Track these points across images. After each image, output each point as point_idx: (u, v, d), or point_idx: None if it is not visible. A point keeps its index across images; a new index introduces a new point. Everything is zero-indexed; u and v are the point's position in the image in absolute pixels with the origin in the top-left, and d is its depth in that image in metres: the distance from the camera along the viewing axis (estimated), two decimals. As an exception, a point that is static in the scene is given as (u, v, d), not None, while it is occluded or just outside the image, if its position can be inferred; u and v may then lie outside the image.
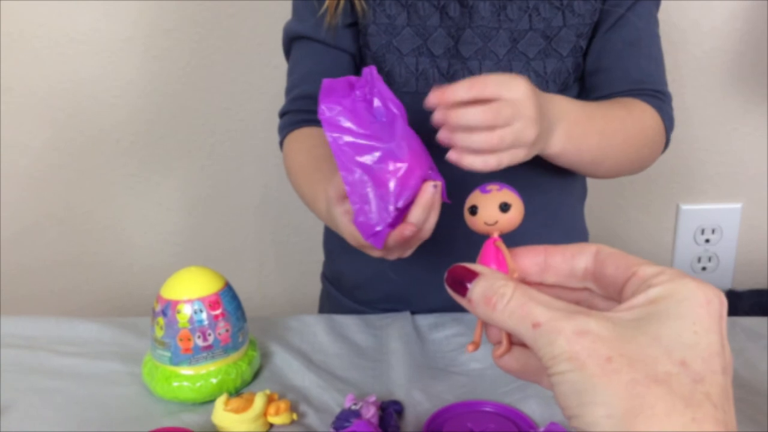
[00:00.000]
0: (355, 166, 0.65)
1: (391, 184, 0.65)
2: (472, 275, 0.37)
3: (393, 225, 0.67)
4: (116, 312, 1.62)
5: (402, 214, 0.67)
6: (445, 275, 0.38)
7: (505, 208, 0.42)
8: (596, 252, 0.38)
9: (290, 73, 0.99)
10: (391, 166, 0.65)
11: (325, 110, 0.65)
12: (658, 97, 0.93)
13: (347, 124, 0.65)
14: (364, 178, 0.65)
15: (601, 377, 0.31)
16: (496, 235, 0.42)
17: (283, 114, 0.99)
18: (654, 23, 0.95)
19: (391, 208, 0.65)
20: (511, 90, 0.68)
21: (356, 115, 0.66)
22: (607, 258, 0.38)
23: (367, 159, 0.65)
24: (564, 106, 0.78)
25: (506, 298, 0.35)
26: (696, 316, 0.33)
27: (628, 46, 0.92)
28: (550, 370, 0.33)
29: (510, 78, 0.68)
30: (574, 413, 0.32)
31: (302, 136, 0.94)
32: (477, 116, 0.66)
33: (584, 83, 0.96)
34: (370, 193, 0.65)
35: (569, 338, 0.32)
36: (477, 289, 0.37)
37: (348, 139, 0.65)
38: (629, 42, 0.92)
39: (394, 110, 0.67)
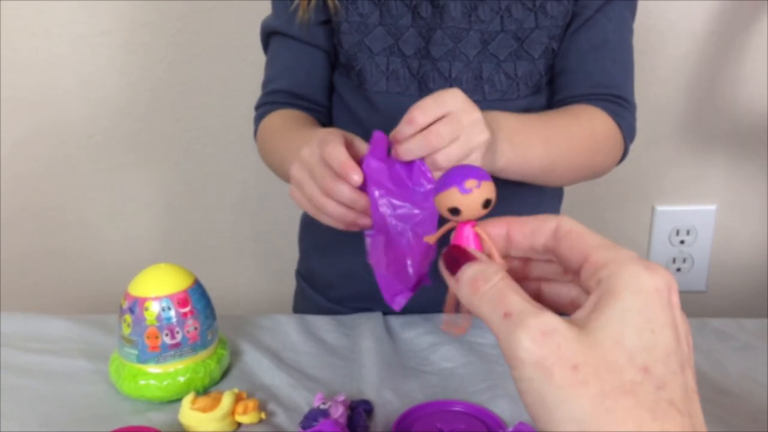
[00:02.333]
0: (388, 226, 0.66)
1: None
2: (470, 258, 0.37)
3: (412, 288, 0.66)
4: (88, 309, 1.60)
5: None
6: (443, 251, 0.38)
7: (487, 204, 0.40)
8: (555, 229, 0.38)
9: (267, 67, 1.00)
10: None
11: (371, 163, 0.66)
12: (618, 103, 0.91)
13: (389, 184, 0.66)
14: (393, 239, 0.66)
15: (569, 389, 0.30)
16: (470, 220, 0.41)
17: (258, 107, 0.99)
18: (626, 29, 0.94)
19: (411, 271, 0.65)
20: (449, 102, 0.67)
21: (395, 177, 0.67)
22: (563, 237, 0.37)
23: (403, 220, 0.66)
24: (498, 117, 0.76)
25: (490, 283, 0.35)
26: (651, 312, 0.32)
27: (593, 48, 0.90)
28: (514, 372, 0.32)
29: (442, 92, 0.68)
30: (544, 428, 0.31)
31: (280, 113, 0.95)
32: (419, 148, 0.65)
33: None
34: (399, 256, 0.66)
35: (534, 337, 0.31)
36: (468, 272, 0.36)
37: (390, 198, 0.66)
38: (595, 44, 0.90)
39: (429, 186, 0.67)
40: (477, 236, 0.40)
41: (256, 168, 1.54)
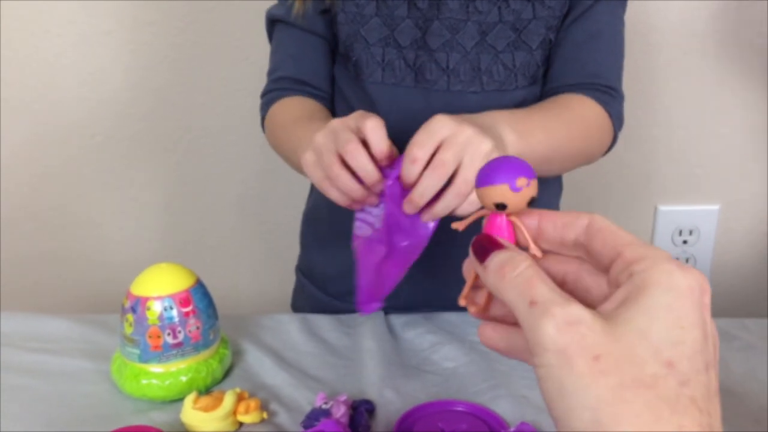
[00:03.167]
0: (392, 241, 0.70)
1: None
2: (499, 247, 0.37)
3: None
4: (90, 309, 1.60)
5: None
6: (473, 240, 0.38)
7: (532, 202, 0.39)
8: (588, 224, 0.37)
9: (272, 55, 1.02)
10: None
11: (393, 185, 0.70)
12: (608, 93, 0.93)
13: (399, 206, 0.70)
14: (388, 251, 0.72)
15: (589, 377, 0.30)
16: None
17: (264, 94, 1.00)
18: (619, 21, 0.95)
19: (387, 287, 0.72)
20: (439, 130, 0.68)
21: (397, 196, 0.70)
22: (596, 233, 0.37)
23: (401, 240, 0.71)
24: (495, 113, 0.78)
25: (518, 270, 0.35)
26: (682, 309, 0.32)
27: (588, 39, 0.92)
28: (536, 359, 0.32)
29: (429, 123, 0.69)
30: (559, 415, 0.31)
31: (291, 100, 0.96)
32: (432, 182, 0.67)
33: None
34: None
35: (559, 326, 0.31)
36: (496, 259, 0.36)
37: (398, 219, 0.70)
38: (590, 34, 0.92)
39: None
40: (510, 224, 0.40)
41: (258, 168, 1.55)
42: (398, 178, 0.69)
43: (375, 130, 0.69)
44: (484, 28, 0.88)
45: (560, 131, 0.86)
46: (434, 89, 0.90)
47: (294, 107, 0.95)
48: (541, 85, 0.95)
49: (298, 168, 0.90)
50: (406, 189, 0.69)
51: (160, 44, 1.46)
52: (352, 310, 0.96)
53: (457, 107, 0.86)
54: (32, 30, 1.43)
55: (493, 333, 0.39)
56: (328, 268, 1.04)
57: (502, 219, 0.39)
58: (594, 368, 0.30)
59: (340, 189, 0.71)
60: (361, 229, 0.73)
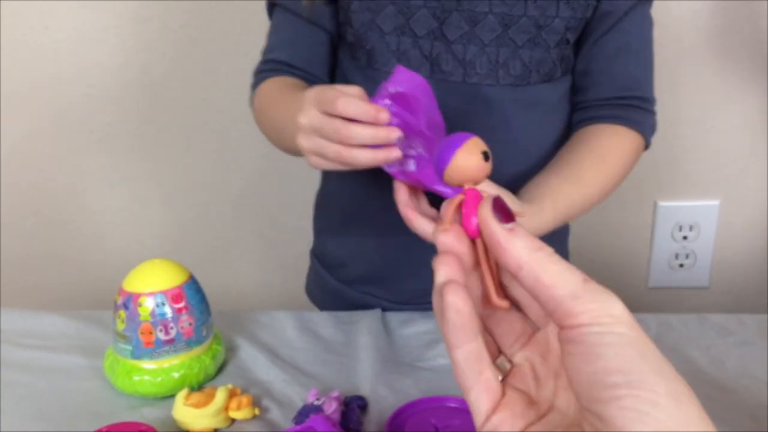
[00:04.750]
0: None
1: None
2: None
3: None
4: (89, 306, 1.60)
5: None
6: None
7: (486, 157, 0.37)
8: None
9: (269, 35, 1.01)
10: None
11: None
12: (642, 107, 0.95)
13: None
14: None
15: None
16: (468, 186, 0.37)
17: (256, 73, 1.00)
18: (648, 25, 0.96)
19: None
20: None
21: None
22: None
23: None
24: (540, 190, 0.84)
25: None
26: None
27: (618, 52, 0.93)
28: (595, 328, 0.30)
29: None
30: (628, 383, 0.29)
31: (277, 80, 0.95)
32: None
33: (574, 81, 0.97)
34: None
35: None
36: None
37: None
38: (619, 47, 0.93)
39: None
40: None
41: (257, 164, 1.54)
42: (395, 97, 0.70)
43: (349, 106, 0.69)
44: (507, 21, 0.87)
45: (596, 184, 0.90)
46: (450, 80, 0.89)
47: (275, 87, 0.94)
48: (561, 87, 0.95)
49: (284, 148, 0.91)
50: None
51: (159, 40, 1.46)
52: (359, 297, 0.97)
53: (472, 99, 0.88)
54: (31, 26, 1.43)
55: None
56: (338, 253, 1.04)
57: (477, 196, 0.36)
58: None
59: (364, 164, 0.70)
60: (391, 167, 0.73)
